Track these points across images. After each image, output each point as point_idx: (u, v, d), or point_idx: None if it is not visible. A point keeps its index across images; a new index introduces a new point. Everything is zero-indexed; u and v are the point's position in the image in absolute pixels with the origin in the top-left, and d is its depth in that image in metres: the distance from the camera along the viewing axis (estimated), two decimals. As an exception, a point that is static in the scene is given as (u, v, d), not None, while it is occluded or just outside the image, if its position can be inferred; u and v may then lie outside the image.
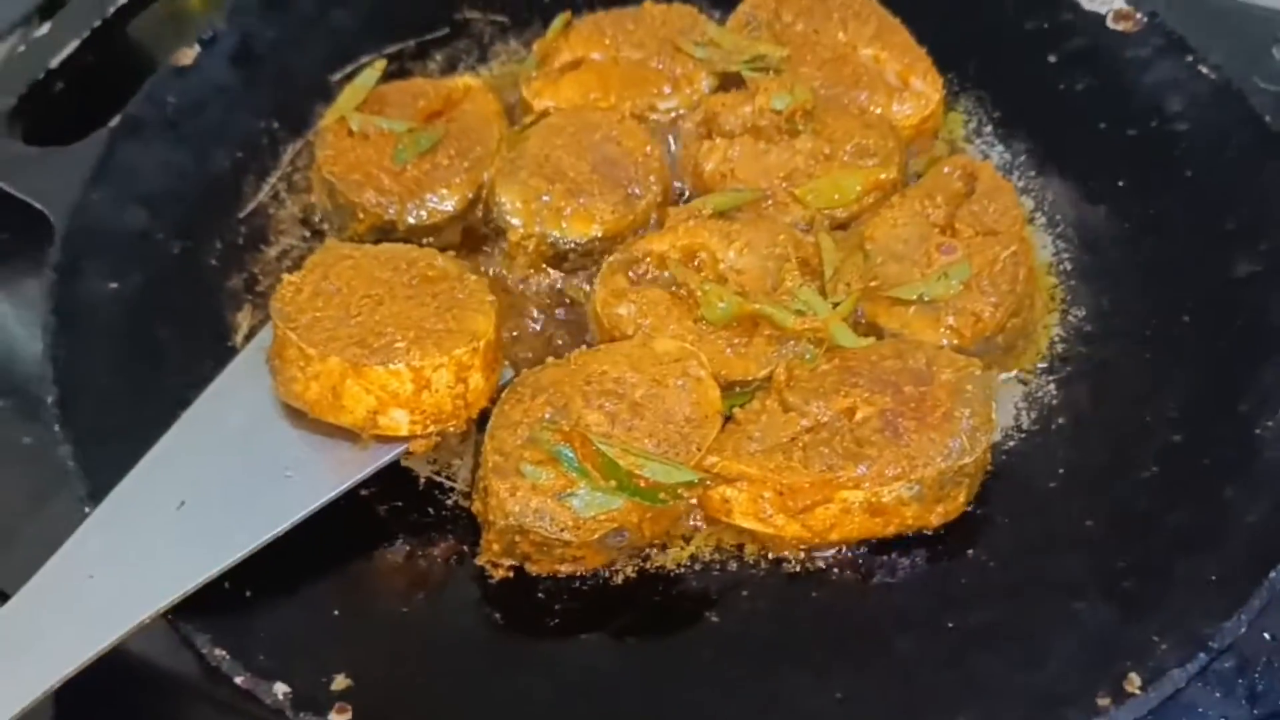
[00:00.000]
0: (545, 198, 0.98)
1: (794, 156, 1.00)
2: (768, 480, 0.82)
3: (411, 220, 0.98)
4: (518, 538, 0.81)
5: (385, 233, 0.99)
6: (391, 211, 0.98)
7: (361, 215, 0.98)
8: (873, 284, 0.93)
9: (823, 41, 1.08)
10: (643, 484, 0.80)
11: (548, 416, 0.83)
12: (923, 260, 0.93)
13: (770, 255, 0.94)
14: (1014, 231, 0.94)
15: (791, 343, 0.90)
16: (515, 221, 0.97)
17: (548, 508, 0.80)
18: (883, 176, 0.99)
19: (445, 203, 0.99)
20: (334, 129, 1.02)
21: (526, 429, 0.83)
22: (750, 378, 0.89)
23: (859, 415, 0.84)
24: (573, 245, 0.97)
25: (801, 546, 0.84)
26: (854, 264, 0.95)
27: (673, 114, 1.06)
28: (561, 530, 0.80)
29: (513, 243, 0.98)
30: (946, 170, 1.00)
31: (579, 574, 0.83)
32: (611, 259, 0.95)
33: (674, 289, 0.93)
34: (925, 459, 0.82)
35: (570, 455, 0.81)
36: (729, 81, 1.07)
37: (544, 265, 0.99)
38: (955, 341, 0.90)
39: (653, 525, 0.83)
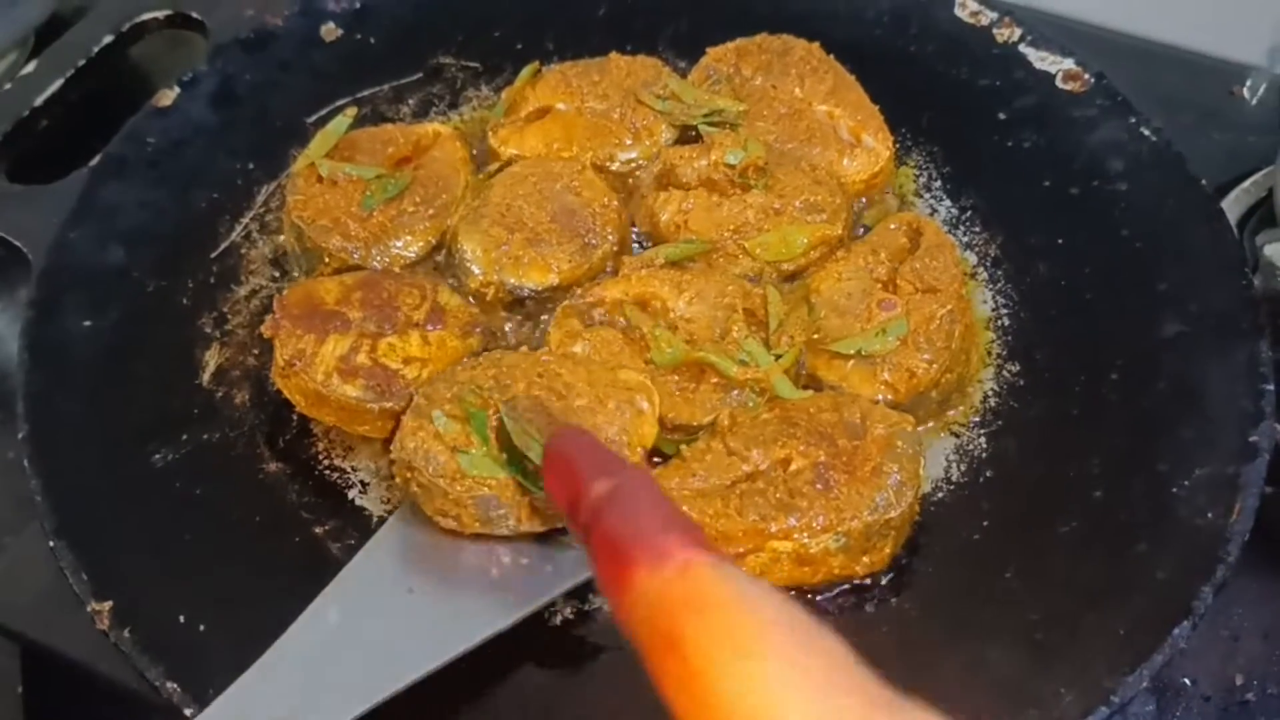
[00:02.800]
0: (504, 246, 1.02)
1: (745, 210, 1.04)
2: (704, 525, 0.86)
3: (375, 265, 1.02)
4: (410, 473, 0.87)
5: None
6: (356, 256, 1.02)
7: (328, 259, 1.02)
8: (816, 336, 0.97)
9: (780, 97, 1.12)
10: (530, 468, 0.84)
11: (487, 386, 0.88)
12: (864, 315, 0.97)
13: (719, 305, 0.98)
14: (952, 290, 0.98)
15: (736, 391, 0.94)
16: (476, 270, 1.01)
17: (435, 452, 0.86)
18: (829, 232, 1.03)
19: (409, 249, 1.03)
20: (304, 174, 1.06)
21: (460, 388, 0.88)
22: (695, 422, 0.93)
23: (793, 466, 0.88)
24: (530, 292, 1.01)
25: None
26: (798, 317, 0.98)
27: (632, 164, 1.10)
28: (439, 477, 0.85)
29: (472, 289, 1.02)
30: (893, 226, 1.03)
31: (463, 532, 0.87)
32: (566, 304, 0.99)
33: (626, 331, 0.97)
34: (852, 512, 0.85)
35: (482, 418, 0.86)
36: (689, 134, 1.11)
37: (502, 310, 1.03)
38: (890, 396, 0.94)
39: (531, 513, 0.86)
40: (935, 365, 0.94)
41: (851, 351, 0.95)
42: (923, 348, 0.95)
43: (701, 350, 0.94)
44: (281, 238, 1.08)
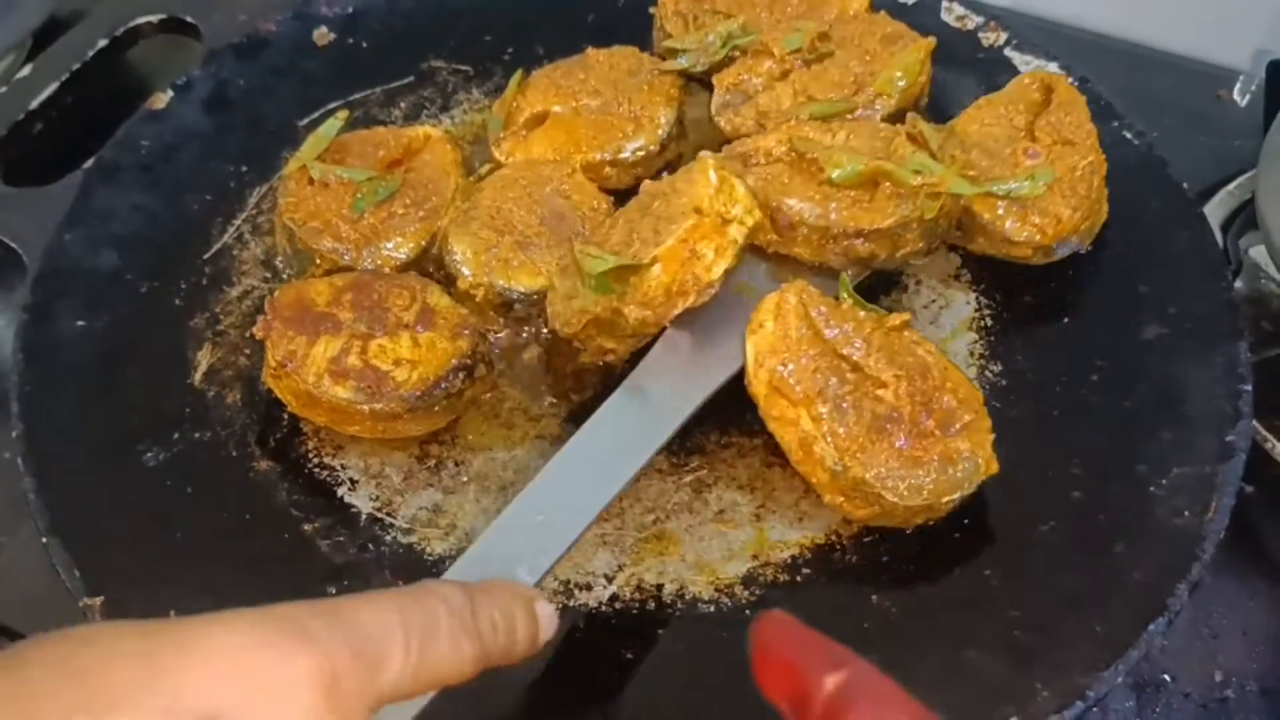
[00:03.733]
0: (494, 249, 1.03)
1: (849, 67, 1.08)
2: (787, 349, 0.89)
3: (366, 266, 1.04)
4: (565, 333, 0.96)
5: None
6: (347, 258, 1.03)
7: (319, 261, 1.04)
8: (971, 174, 1.01)
9: None
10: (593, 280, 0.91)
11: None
12: (1010, 160, 1.02)
13: (876, 137, 1.01)
14: (1089, 144, 1.03)
15: (911, 199, 0.97)
16: (465, 271, 1.02)
17: (559, 310, 0.96)
18: (927, 46, 1.09)
19: (399, 251, 1.04)
20: (295, 176, 1.07)
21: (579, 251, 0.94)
22: (874, 226, 0.96)
23: (881, 393, 0.89)
24: (519, 295, 1.02)
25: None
26: (954, 144, 1.03)
27: (641, 153, 1.10)
28: (565, 327, 0.95)
29: (461, 290, 1.03)
30: (1026, 81, 1.09)
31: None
32: (721, 155, 1.00)
33: (793, 163, 1.00)
34: (864, 462, 0.87)
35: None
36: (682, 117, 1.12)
37: (492, 311, 1.04)
38: (1039, 238, 1.00)
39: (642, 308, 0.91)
40: (1078, 213, 1.00)
41: (1003, 193, 1.00)
42: (1067, 195, 1.00)
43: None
44: (273, 239, 1.09)
